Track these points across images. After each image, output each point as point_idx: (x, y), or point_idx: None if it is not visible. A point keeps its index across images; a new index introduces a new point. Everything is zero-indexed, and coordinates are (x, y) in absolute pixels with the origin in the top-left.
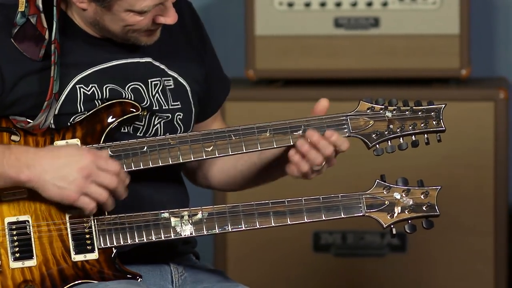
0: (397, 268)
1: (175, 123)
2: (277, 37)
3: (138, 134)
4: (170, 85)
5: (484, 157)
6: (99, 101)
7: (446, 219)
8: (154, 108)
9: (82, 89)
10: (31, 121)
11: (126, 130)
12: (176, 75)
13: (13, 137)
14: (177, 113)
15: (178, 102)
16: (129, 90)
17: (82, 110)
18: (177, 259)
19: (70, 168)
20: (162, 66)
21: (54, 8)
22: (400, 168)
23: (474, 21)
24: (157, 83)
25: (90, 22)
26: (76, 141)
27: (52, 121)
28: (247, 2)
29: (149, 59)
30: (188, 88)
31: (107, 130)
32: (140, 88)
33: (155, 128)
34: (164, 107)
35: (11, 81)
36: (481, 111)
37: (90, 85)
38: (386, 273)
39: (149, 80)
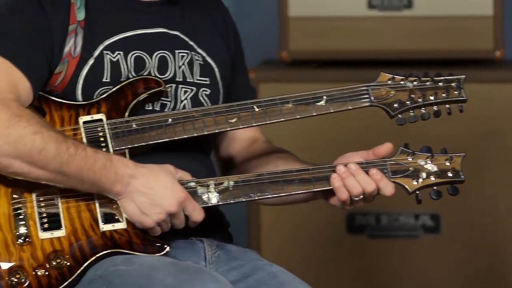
0: (431, 250)
1: (201, 97)
2: (310, 18)
3: (165, 110)
4: (200, 61)
5: None
6: (125, 72)
7: (481, 201)
8: (177, 79)
9: (108, 56)
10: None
11: (152, 108)
12: (204, 54)
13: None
14: (203, 88)
15: (208, 79)
16: (156, 58)
17: (109, 78)
18: (210, 236)
19: (161, 201)
20: (191, 43)
21: None
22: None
23: (508, 2)
24: (184, 55)
25: None
26: (101, 115)
27: (80, 91)
28: None
29: (177, 33)
30: (216, 69)
31: (131, 105)
32: (168, 56)
33: (182, 103)
34: (188, 79)
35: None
36: None
37: (116, 52)
38: (420, 255)
39: (176, 51)
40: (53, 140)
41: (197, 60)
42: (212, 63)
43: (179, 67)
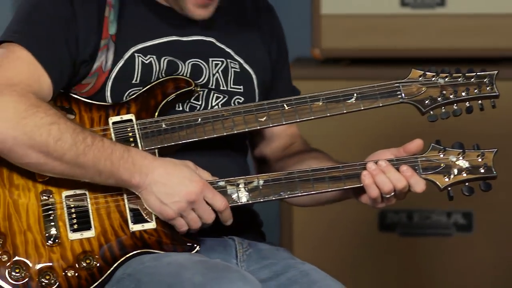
0: (463, 248)
1: (233, 104)
2: (343, 16)
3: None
4: (236, 69)
5: None
6: (156, 74)
7: None
8: (210, 86)
9: (140, 58)
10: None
11: (182, 109)
12: (242, 61)
13: (68, 116)
14: (237, 96)
15: (241, 87)
16: (189, 64)
17: (138, 79)
18: (242, 235)
19: (179, 189)
20: (228, 50)
21: None
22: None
23: None
24: (219, 63)
25: None
26: (131, 116)
27: (109, 93)
28: None
29: (213, 40)
30: (253, 76)
31: (161, 105)
32: (201, 64)
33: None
34: (221, 87)
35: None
36: None
37: (149, 56)
38: (452, 253)
39: (210, 59)
40: (70, 131)
41: (233, 67)
42: (250, 70)
43: (213, 74)
